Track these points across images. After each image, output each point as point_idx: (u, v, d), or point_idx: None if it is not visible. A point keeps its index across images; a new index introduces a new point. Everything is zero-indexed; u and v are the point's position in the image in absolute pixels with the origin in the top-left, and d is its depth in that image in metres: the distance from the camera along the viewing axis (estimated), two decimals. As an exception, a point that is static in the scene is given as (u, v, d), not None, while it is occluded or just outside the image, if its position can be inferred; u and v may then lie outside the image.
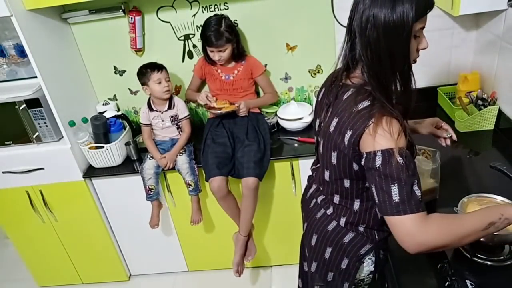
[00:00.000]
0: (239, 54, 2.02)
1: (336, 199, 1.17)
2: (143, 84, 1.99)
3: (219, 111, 1.99)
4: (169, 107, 2.04)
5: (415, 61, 1.03)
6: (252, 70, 2.06)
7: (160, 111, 2.05)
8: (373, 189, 0.97)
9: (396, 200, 0.92)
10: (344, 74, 1.09)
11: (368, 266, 1.18)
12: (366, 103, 0.99)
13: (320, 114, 1.19)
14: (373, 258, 1.17)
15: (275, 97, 2.20)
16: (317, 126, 1.23)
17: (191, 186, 1.99)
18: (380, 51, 0.95)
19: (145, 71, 1.97)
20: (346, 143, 1.01)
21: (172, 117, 2.05)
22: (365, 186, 1.09)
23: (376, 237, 1.15)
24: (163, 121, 2.06)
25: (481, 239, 1.07)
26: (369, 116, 0.96)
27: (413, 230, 0.92)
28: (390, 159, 0.92)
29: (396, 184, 0.92)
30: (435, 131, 1.42)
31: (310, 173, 1.42)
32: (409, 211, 0.91)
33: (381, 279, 1.28)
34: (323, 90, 1.21)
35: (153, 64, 1.99)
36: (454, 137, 1.39)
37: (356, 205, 1.14)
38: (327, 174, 1.16)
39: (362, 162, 0.99)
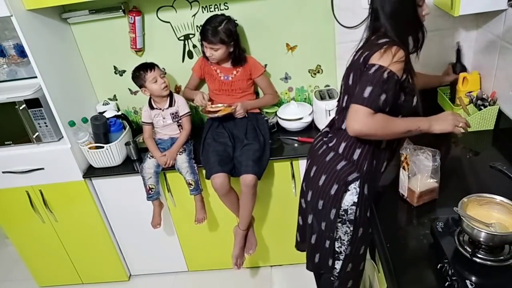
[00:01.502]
0: (236, 59, 2.00)
1: (344, 125, 1.37)
2: (140, 86, 2.01)
3: (215, 115, 2.00)
4: (170, 105, 2.05)
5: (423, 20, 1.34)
6: (251, 71, 2.06)
7: (161, 109, 2.05)
8: (358, 86, 1.27)
9: (365, 96, 1.22)
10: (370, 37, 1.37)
11: (352, 195, 1.39)
12: (385, 40, 1.27)
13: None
14: (358, 189, 1.38)
15: (276, 98, 2.20)
16: (343, 82, 1.47)
17: (192, 185, 1.99)
18: (398, 14, 1.27)
19: (139, 74, 1.97)
20: (361, 61, 1.29)
21: (173, 114, 2.06)
22: None
23: (364, 168, 1.37)
24: (164, 118, 2.06)
25: (481, 239, 1.08)
26: (385, 43, 1.25)
27: (361, 117, 1.23)
28: (379, 71, 1.22)
29: (371, 87, 1.22)
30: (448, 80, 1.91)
31: None
32: (367, 105, 1.22)
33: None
34: (351, 57, 1.42)
35: (144, 65, 1.99)
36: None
37: None
38: (345, 99, 1.40)
39: (365, 69, 1.27)
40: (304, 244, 1.66)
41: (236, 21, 1.98)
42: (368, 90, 1.22)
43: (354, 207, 1.40)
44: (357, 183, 1.38)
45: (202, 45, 1.98)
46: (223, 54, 1.95)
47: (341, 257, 1.50)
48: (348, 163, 1.38)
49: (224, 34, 1.88)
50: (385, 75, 1.22)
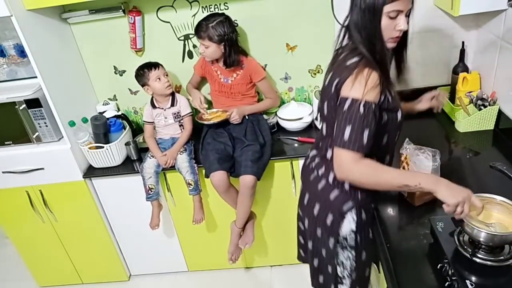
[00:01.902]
0: (228, 62, 1.94)
1: (329, 153, 1.30)
2: (143, 85, 2.01)
3: (209, 122, 1.99)
4: (172, 104, 2.05)
5: (395, 39, 1.16)
6: (252, 75, 2.03)
7: (163, 108, 2.06)
8: (335, 126, 1.15)
9: (345, 139, 1.11)
10: (344, 44, 1.25)
11: (349, 223, 1.31)
12: (355, 59, 1.14)
13: (324, 81, 1.31)
14: (355, 216, 1.30)
15: (277, 102, 2.17)
16: (319, 106, 1.35)
17: (191, 185, 1.99)
18: (360, 26, 1.13)
19: (143, 72, 1.98)
20: (333, 90, 1.17)
21: (174, 114, 2.06)
22: None
23: (359, 196, 1.29)
24: (165, 118, 2.07)
25: (481, 239, 1.08)
26: (355, 67, 1.12)
27: (346, 163, 1.12)
28: (354, 106, 1.10)
29: (350, 126, 1.10)
30: (433, 104, 1.57)
31: None
32: (351, 148, 1.11)
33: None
34: (329, 63, 1.33)
35: (148, 64, 1.99)
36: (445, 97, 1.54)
37: None
38: (324, 127, 1.31)
39: (337, 103, 1.15)
40: (307, 258, 1.62)
41: (236, 21, 1.97)
42: (347, 131, 1.10)
43: (353, 234, 1.32)
44: (353, 211, 1.30)
45: None
46: (214, 53, 1.92)
47: (346, 282, 1.41)
48: (341, 192, 1.29)
49: (213, 32, 1.85)
50: (361, 109, 1.09)
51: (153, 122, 2.10)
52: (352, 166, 1.12)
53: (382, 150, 1.30)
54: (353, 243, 1.33)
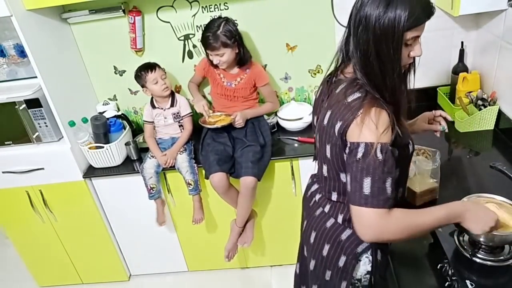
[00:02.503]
0: (241, 60, 1.94)
1: (334, 196, 1.17)
2: (142, 86, 2.02)
3: (213, 126, 1.98)
4: (172, 105, 2.05)
5: (407, 66, 1.03)
6: (256, 79, 2.01)
7: (162, 109, 2.06)
8: (348, 177, 1.00)
9: (366, 193, 0.94)
10: (339, 69, 1.09)
11: (365, 265, 1.17)
12: (357, 95, 0.99)
13: (316, 111, 1.19)
14: (370, 257, 1.16)
15: (276, 106, 2.15)
16: (314, 123, 1.23)
17: (191, 185, 1.99)
18: (369, 53, 0.95)
19: (141, 74, 1.98)
20: (336, 134, 1.02)
21: (174, 114, 2.06)
22: None
23: None
24: (165, 118, 2.07)
25: (481, 239, 1.08)
26: (359, 107, 0.96)
27: (374, 223, 0.95)
28: (370, 152, 0.94)
29: (369, 178, 0.94)
30: (430, 127, 1.38)
31: (310, 173, 1.42)
32: (375, 205, 0.94)
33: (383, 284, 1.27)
34: (320, 88, 1.21)
35: (145, 65, 1.99)
36: (446, 129, 1.34)
37: None
38: (325, 169, 1.16)
39: (346, 151, 1.00)
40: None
41: (236, 21, 1.97)
42: (366, 184, 0.95)
43: (368, 275, 1.19)
44: (369, 252, 1.14)
45: (207, 54, 1.94)
46: (230, 57, 1.89)
47: None
48: (355, 233, 1.08)
49: (225, 37, 1.83)
50: (379, 154, 0.94)
51: (153, 121, 2.10)
52: (382, 225, 0.95)
53: (396, 185, 1.15)
54: (367, 283, 1.21)
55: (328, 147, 1.08)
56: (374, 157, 0.93)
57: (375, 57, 0.94)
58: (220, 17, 1.91)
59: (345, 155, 1.03)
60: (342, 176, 1.11)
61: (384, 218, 0.95)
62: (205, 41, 1.87)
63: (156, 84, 1.97)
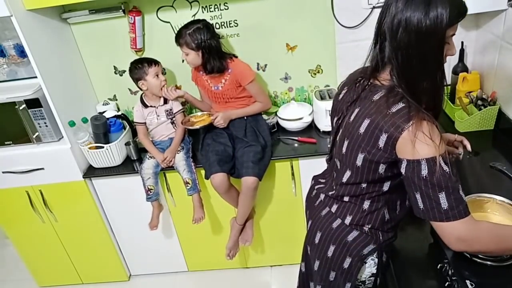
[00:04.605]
0: (210, 70, 1.91)
1: (346, 198, 1.17)
2: (139, 79, 1.97)
3: (194, 127, 1.99)
4: (165, 102, 2.05)
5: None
6: (239, 79, 1.96)
7: (155, 106, 2.05)
8: (418, 196, 0.97)
9: (445, 207, 0.93)
10: (372, 74, 1.08)
11: (370, 267, 1.18)
12: (400, 105, 0.97)
13: (340, 112, 1.17)
14: (376, 260, 1.16)
15: (267, 105, 2.10)
16: (334, 123, 1.21)
17: (189, 184, 1.99)
18: (412, 56, 0.95)
19: (141, 66, 1.95)
20: (381, 146, 0.99)
21: (167, 111, 2.06)
22: (381, 189, 1.10)
23: (381, 238, 1.15)
24: (158, 116, 2.06)
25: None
26: (407, 119, 0.94)
27: (464, 234, 0.95)
28: (436, 167, 0.92)
29: (443, 192, 0.93)
30: (448, 148, 1.32)
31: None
32: (459, 217, 0.94)
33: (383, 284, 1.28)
34: (345, 88, 1.18)
35: (148, 59, 1.98)
36: (469, 148, 1.31)
37: (366, 205, 1.14)
38: (347, 175, 1.13)
39: (402, 169, 0.98)
40: None
41: (236, 21, 1.96)
42: (443, 199, 0.93)
43: (373, 278, 1.21)
44: (375, 254, 1.16)
45: None
46: (194, 60, 1.89)
47: None
48: (361, 234, 1.15)
49: (189, 38, 1.83)
50: (445, 167, 0.93)
51: (144, 123, 2.08)
52: (475, 234, 0.96)
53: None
54: (371, 285, 1.23)
55: (361, 156, 1.05)
56: (442, 171, 0.93)
57: (418, 59, 0.95)
58: (202, 20, 1.89)
59: (381, 168, 1.03)
60: (364, 184, 1.11)
61: (473, 227, 0.96)
62: (176, 35, 1.89)
63: (157, 78, 1.96)
